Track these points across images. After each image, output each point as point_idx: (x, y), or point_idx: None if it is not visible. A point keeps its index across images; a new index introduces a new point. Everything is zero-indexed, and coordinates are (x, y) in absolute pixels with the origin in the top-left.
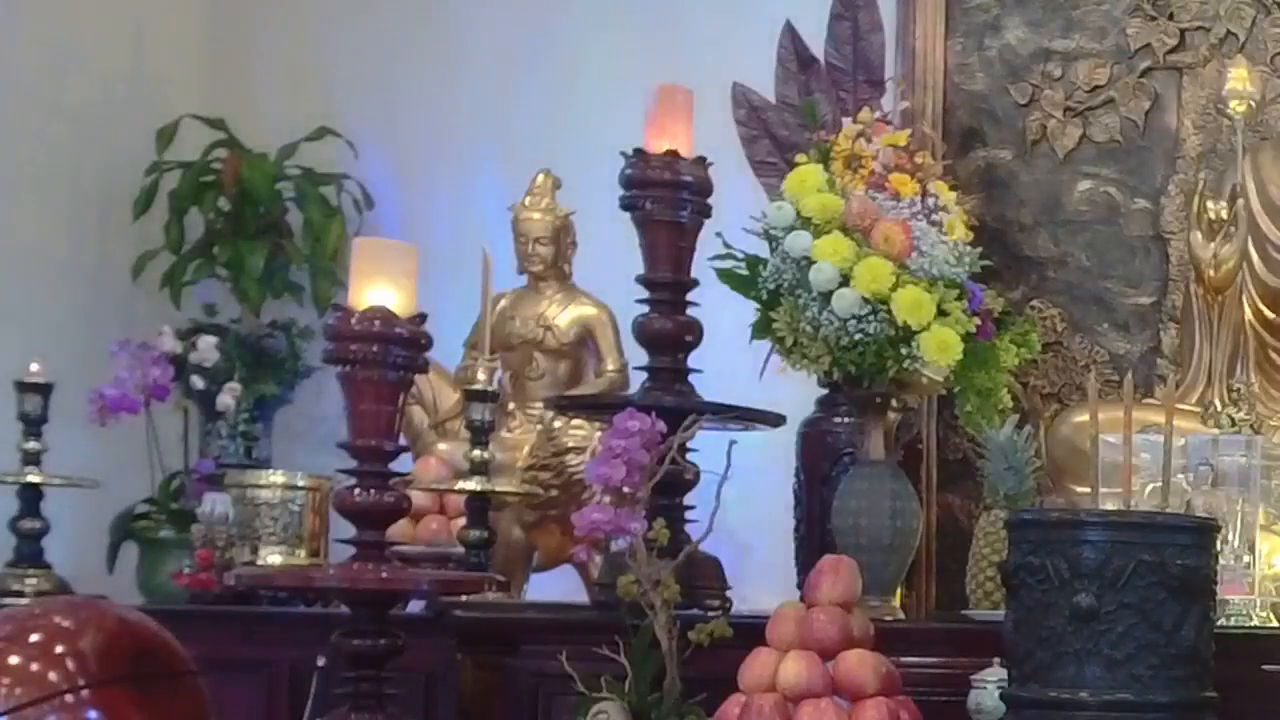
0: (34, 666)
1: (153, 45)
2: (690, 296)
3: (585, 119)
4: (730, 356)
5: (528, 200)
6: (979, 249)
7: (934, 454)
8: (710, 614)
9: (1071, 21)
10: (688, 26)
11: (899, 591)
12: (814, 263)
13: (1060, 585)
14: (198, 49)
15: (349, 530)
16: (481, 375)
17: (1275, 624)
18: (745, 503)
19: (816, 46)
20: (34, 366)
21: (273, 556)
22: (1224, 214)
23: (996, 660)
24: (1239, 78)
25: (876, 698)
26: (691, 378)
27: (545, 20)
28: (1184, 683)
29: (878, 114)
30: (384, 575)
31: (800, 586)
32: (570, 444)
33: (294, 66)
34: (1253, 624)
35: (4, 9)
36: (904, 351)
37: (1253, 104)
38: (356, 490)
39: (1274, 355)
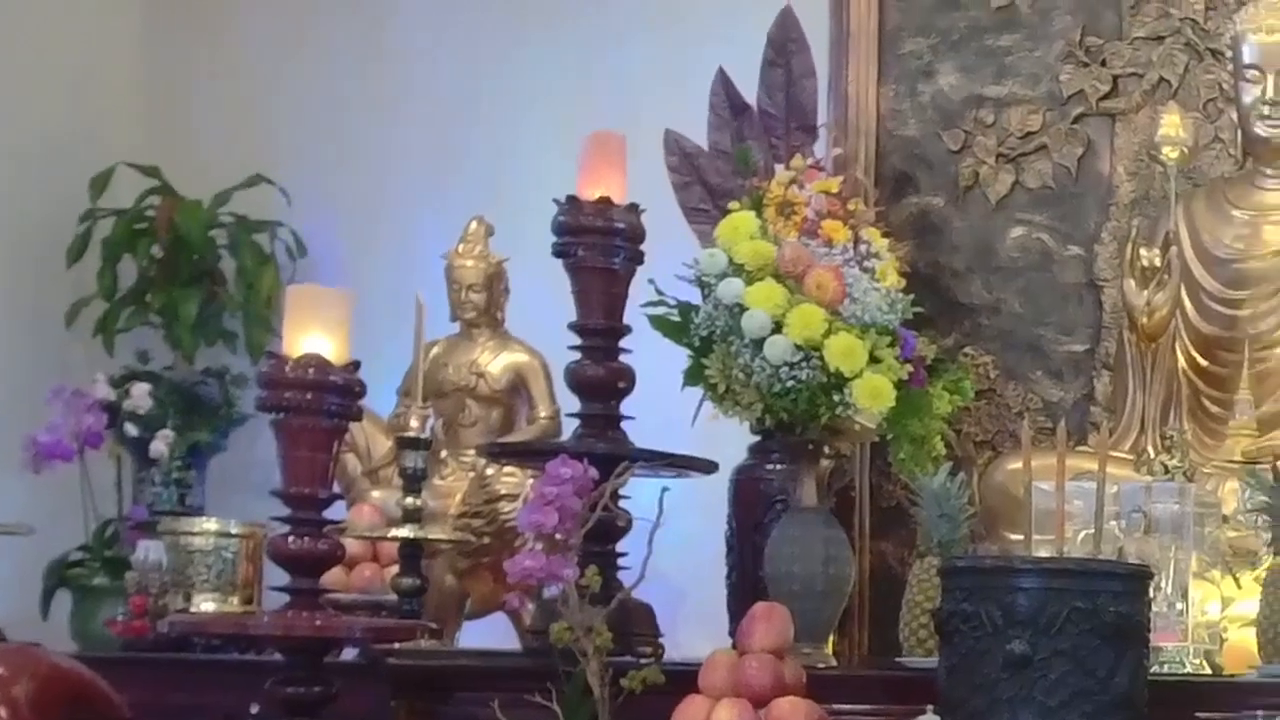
0: None
1: (89, 93)
2: (623, 343)
3: (518, 166)
4: (663, 403)
5: (461, 247)
6: (911, 296)
7: (867, 501)
8: (642, 661)
9: (1004, 68)
10: (620, 73)
11: (831, 639)
12: (746, 309)
13: (994, 632)
14: (133, 96)
15: (283, 577)
16: (414, 422)
17: (1209, 671)
18: (678, 549)
19: (749, 93)
20: None
21: (206, 604)
22: (1157, 261)
23: (930, 708)
24: (1172, 124)
25: None
26: (624, 424)
27: (479, 68)
28: None
29: (810, 160)
30: (318, 622)
31: (733, 633)
32: (503, 491)
33: (229, 114)
34: (1186, 671)
35: None
36: (836, 398)
37: (1185, 150)
38: (290, 537)
39: (1207, 403)
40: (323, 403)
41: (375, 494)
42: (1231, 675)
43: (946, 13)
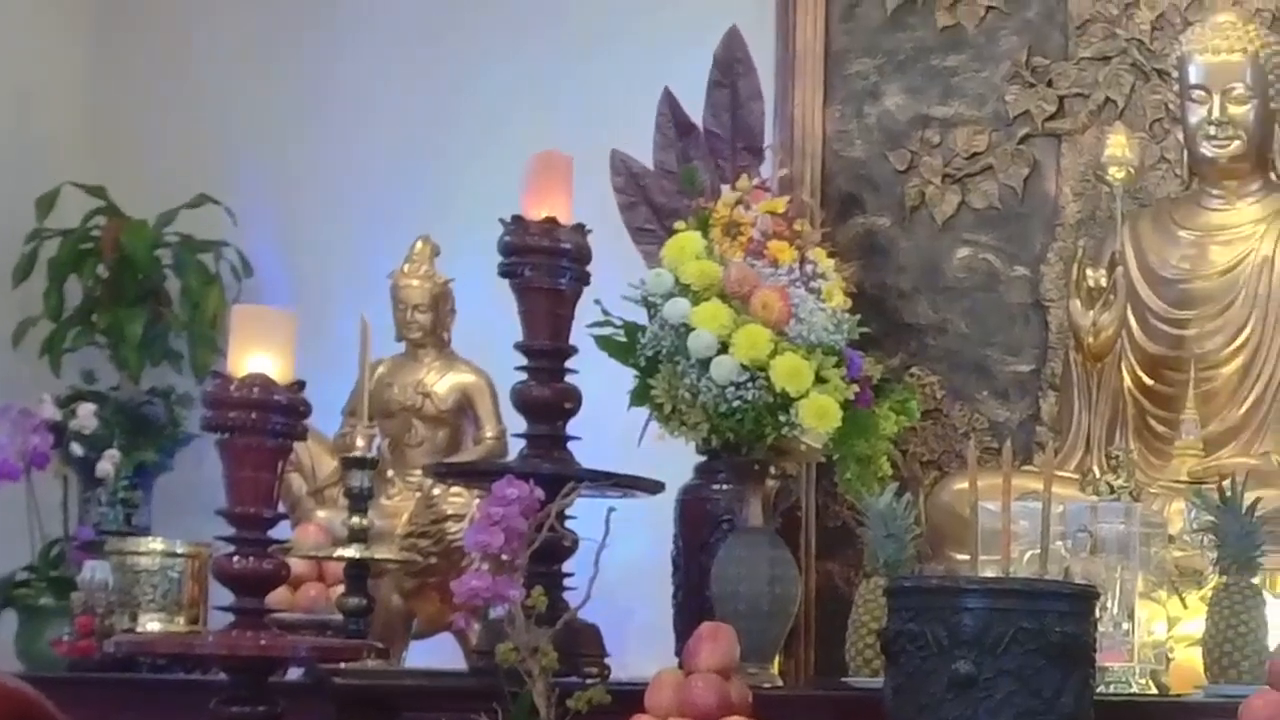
0: None
1: (35, 112)
2: (569, 363)
3: (464, 186)
4: (609, 423)
5: (406, 267)
6: (858, 316)
7: (813, 521)
8: (589, 681)
9: (950, 88)
10: (567, 93)
11: (778, 659)
12: (692, 330)
13: (939, 652)
14: (79, 116)
15: (228, 597)
16: (360, 442)
17: (1155, 691)
18: (624, 569)
19: (695, 113)
20: None
21: (152, 623)
22: (1103, 281)
23: None
24: (1118, 144)
25: None
26: (570, 445)
27: (424, 88)
28: None
29: (756, 181)
30: (263, 642)
31: (679, 653)
32: (449, 511)
33: (174, 134)
34: (1132, 691)
35: None
36: (782, 419)
37: (1131, 171)
38: (235, 557)
39: (1153, 422)
40: (267, 422)
41: (321, 514)
42: (1178, 695)
43: (892, 34)
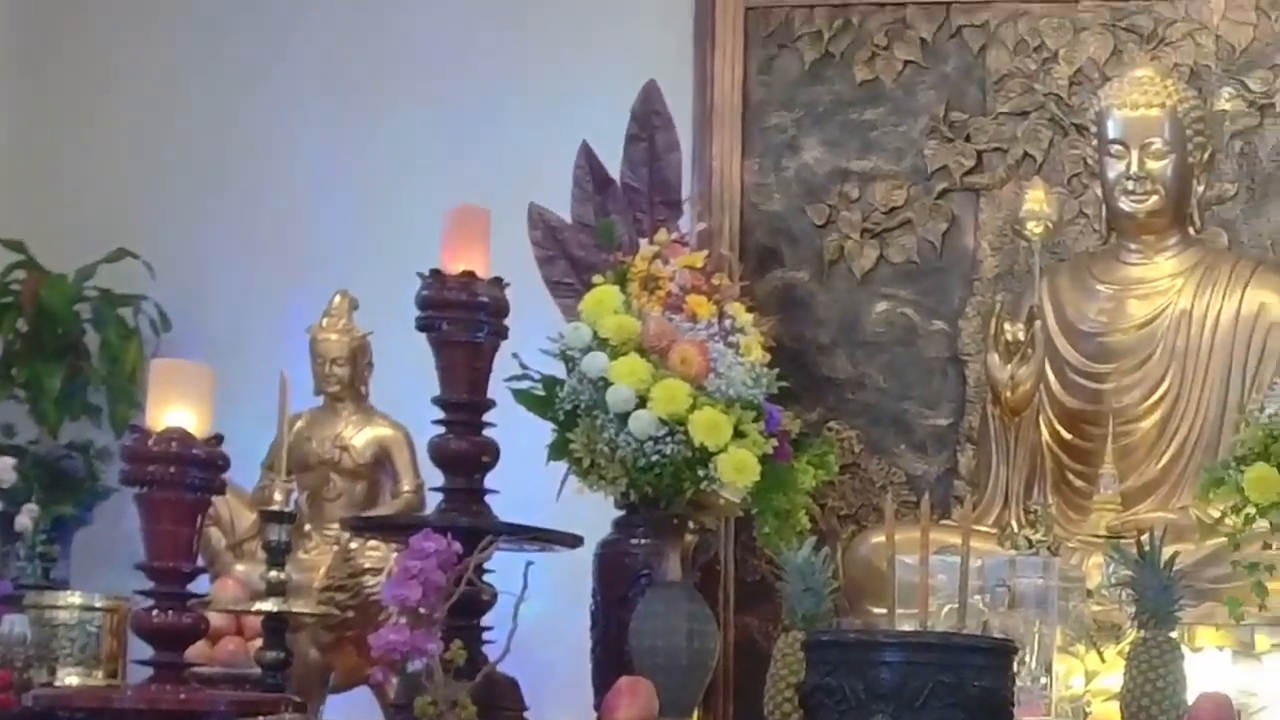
0: None
1: None
2: (487, 417)
3: (382, 240)
4: (527, 477)
5: (325, 321)
6: (776, 370)
7: (732, 575)
8: None
9: (869, 142)
10: (485, 147)
11: (696, 713)
12: (611, 384)
13: (857, 706)
14: None
15: (147, 651)
16: (278, 496)
17: None
18: (542, 623)
19: (613, 167)
20: None
21: (70, 677)
22: (1021, 336)
23: None
24: (1036, 199)
25: None
26: (488, 498)
27: (342, 142)
28: None
29: (675, 235)
30: (182, 696)
31: (598, 707)
32: (367, 565)
33: (94, 188)
34: None
35: None
36: (701, 473)
37: (1050, 225)
38: (154, 611)
39: (1071, 477)
40: (186, 476)
41: (239, 567)
42: None
43: (810, 87)
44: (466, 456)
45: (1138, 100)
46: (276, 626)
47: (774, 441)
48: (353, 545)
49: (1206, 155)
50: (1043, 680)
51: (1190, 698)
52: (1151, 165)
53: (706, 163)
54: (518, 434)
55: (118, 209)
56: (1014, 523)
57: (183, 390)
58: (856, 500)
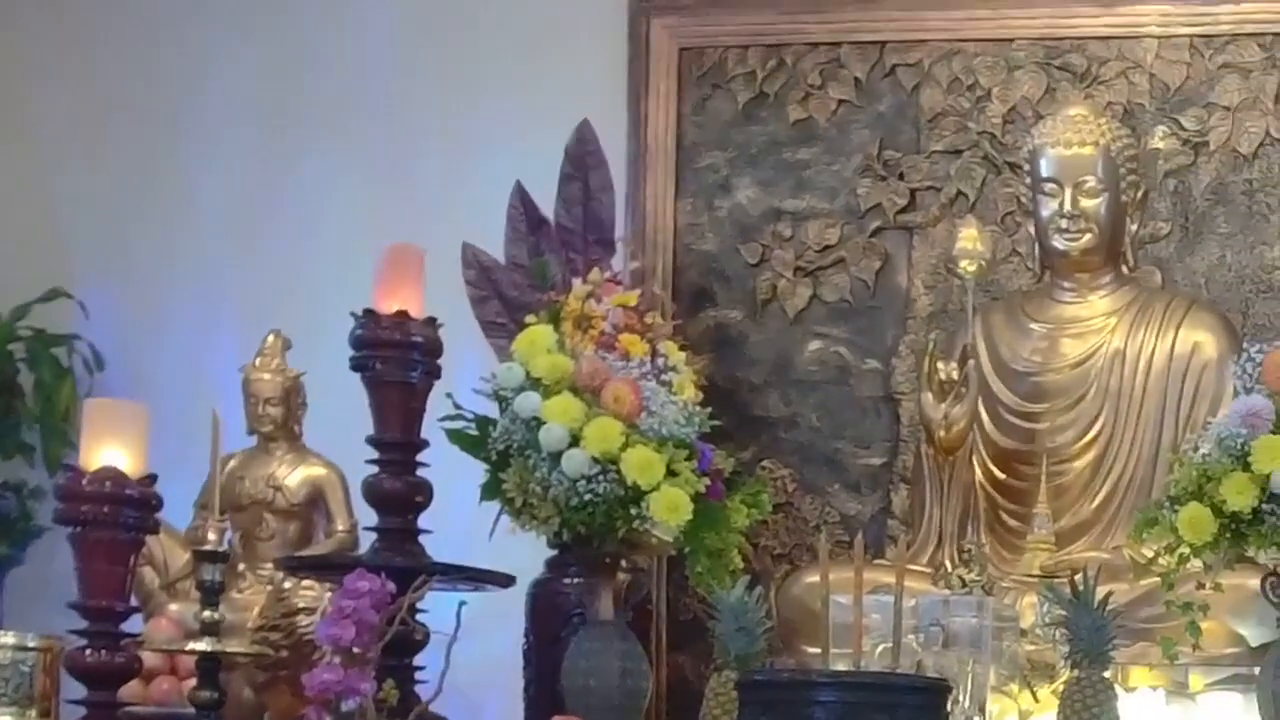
0: None
1: None
2: (420, 457)
3: (317, 279)
4: (460, 517)
5: (258, 361)
6: (709, 409)
7: (664, 614)
8: None
9: (802, 181)
10: (419, 186)
11: None
12: (544, 423)
13: None
14: None
15: (81, 690)
16: (212, 536)
17: None
18: (475, 663)
19: (547, 206)
20: None
21: (4, 717)
22: (955, 375)
23: None
24: (969, 237)
25: None
26: (422, 538)
27: (277, 180)
28: None
29: (608, 274)
30: None
31: None
32: (300, 604)
33: (26, 228)
34: None
35: None
36: (634, 512)
37: (983, 264)
38: (88, 650)
39: (1005, 516)
40: (119, 516)
41: (173, 607)
42: None
43: (744, 127)
44: (400, 496)
45: (1071, 139)
46: (210, 666)
47: (707, 480)
48: (286, 585)
49: (1140, 194)
50: (976, 719)
51: None
52: (1085, 204)
53: (640, 202)
54: (451, 474)
55: (51, 249)
56: (948, 562)
57: (116, 430)
58: (790, 539)
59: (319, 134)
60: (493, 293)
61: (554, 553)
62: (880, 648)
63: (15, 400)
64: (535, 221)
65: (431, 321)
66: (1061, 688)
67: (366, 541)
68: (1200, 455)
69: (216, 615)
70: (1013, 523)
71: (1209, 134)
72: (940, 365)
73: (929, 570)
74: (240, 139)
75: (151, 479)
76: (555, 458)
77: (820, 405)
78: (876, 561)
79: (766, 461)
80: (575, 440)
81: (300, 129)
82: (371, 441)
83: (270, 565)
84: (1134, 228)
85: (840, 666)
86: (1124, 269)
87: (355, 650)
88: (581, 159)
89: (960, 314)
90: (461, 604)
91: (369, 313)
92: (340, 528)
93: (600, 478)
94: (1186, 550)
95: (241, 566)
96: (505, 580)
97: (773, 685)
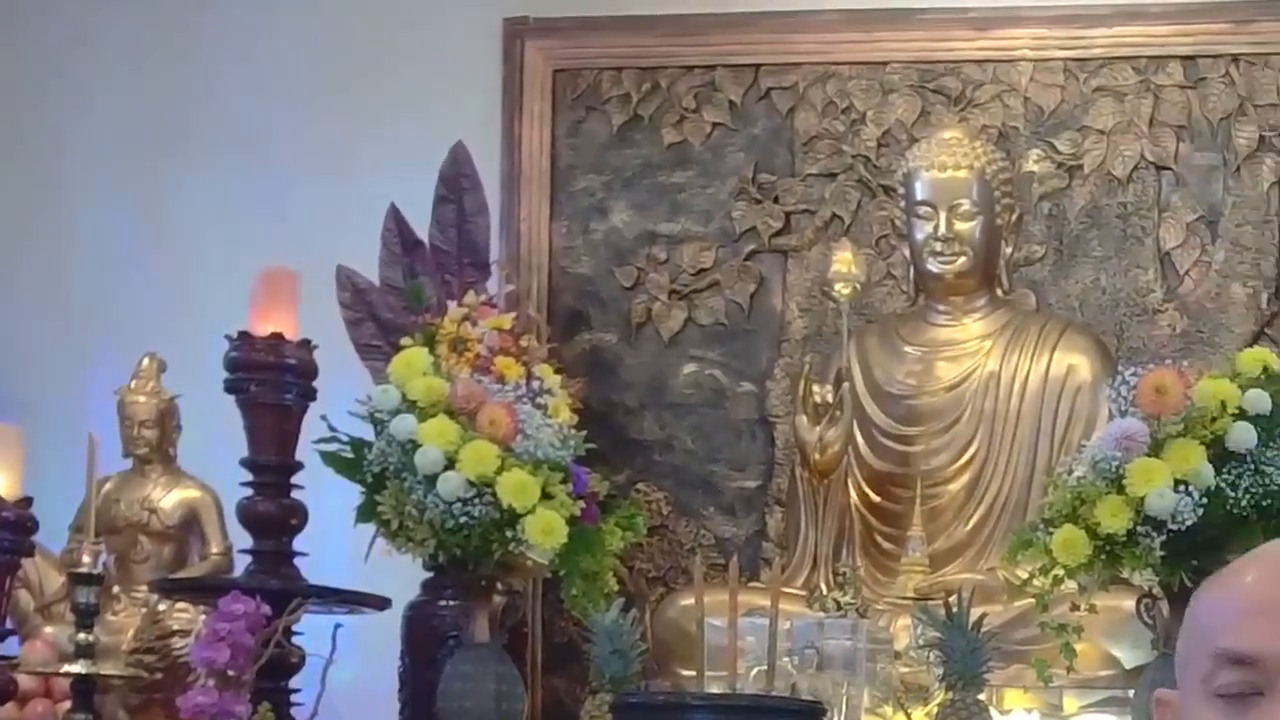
0: None
1: None
2: (295, 479)
3: (193, 302)
4: (336, 539)
5: (133, 384)
6: (584, 432)
7: (540, 637)
8: None
9: (677, 205)
10: (295, 211)
11: None
12: (419, 446)
13: None
14: None
15: None
16: (87, 558)
17: None
18: (351, 686)
19: (421, 229)
20: None
21: None
22: (829, 397)
23: None
24: (844, 261)
25: None
26: (297, 560)
27: (153, 203)
28: None
29: (483, 297)
30: None
31: None
32: (175, 627)
33: None
34: None
35: None
36: (509, 534)
37: (857, 287)
38: None
39: (879, 539)
40: None
41: (48, 629)
42: None
43: (619, 150)
44: (275, 519)
45: (945, 162)
46: (85, 689)
47: (582, 503)
48: (161, 607)
49: (1014, 217)
50: None
51: None
52: (959, 227)
53: (515, 225)
54: (326, 496)
55: None
56: (822, 585)
57: None
58: (665, 562)
59: (197, 161)
60: (368, 315)
61: (429, 575)
62: (755, 670)
63: None
64: (410, 244)
65: (306, 344)
66: (936, 710)
67: (241, 564)
68: (1075, 478)
69: (91, 638)
70: (887, 545)
71: (1083, 157)
72: (815, 388)
73: (804, 593)
74: (120, 167)
75: (27, 501)
76: (431, 480)
77: (695, 428)
78: (751, 584)
79: (641, 484)
80: (451, 463)
81: (179, 158)
82: (246, 464)
83: (145, 588)
84: (1008, 251)
85: (715, 689)
86: (998, 292)
87: (230, 673)
88: (456, 181)
89: (835, 337)
90: (337, 627)
91: (244, 335)
92: (215, 550)
93: (475, 500)
94: (1061, 572)
95: (116, 589)
96: (381, 603)
97: (647, 708)
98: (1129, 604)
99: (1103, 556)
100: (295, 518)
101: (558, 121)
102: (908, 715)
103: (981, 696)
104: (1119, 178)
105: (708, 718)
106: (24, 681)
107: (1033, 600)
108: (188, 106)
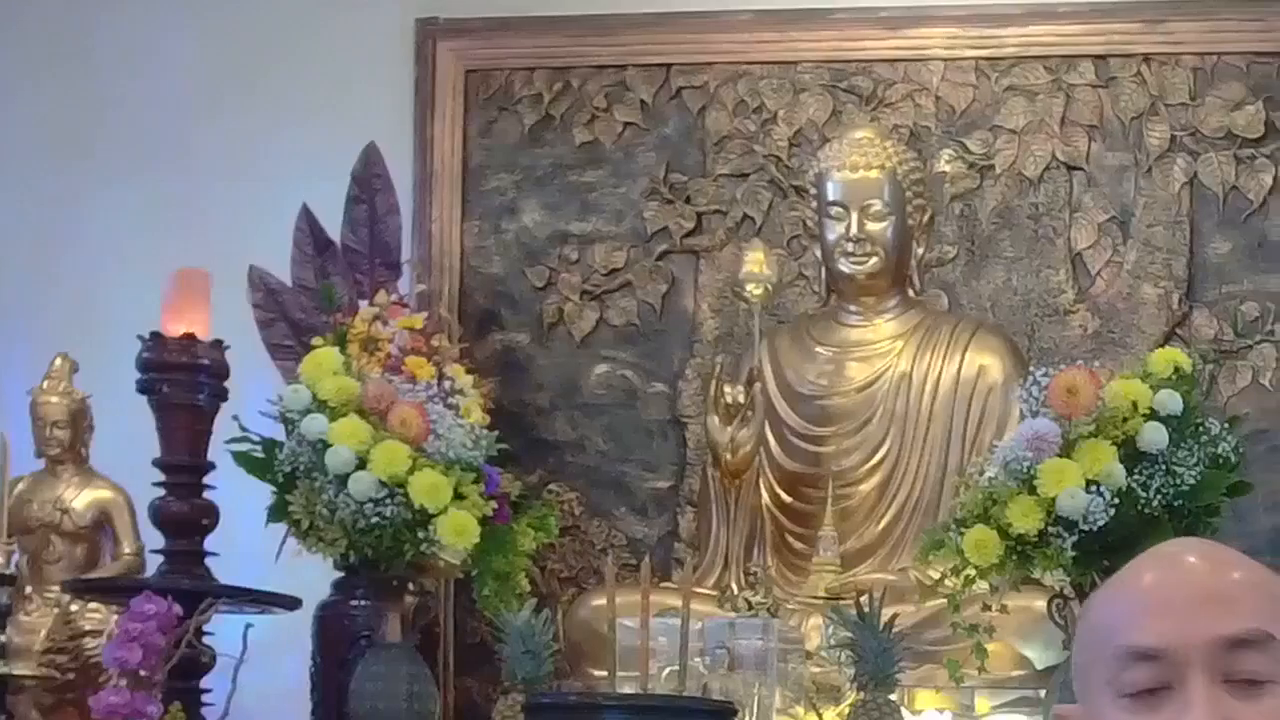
0: None
1: None
2: (207, 479)
3: (104, 303)
4: (247, 539)
5: (45, 384)
6: (496, 432)
7: (452, 637)
8: None
9: (589, 205)
10: (208, 211)
11: None
12: (330, 446)
13: None
14: None
15: None
16: None
17: None
18: (262, 686)
19: (334, 229)
20: None
21: None
22: (741, 398)
23: None
24: (755, 261)
25: None
26: (208, 561)
27: (65, 204)
28: None
29: (394, 297)
30: None
31: None
32: (87, 627)
33: None
34: None
35: None
36: (421, 535)
37: (769, 287)
38: None
39: (791, 539)
40: None
41: None
42: None
43: (530, 150)
44: (187, 519)
45: (857, 162)
46: None
47: (493, 504)
48: (73, 608)
49: (926, 217)
50: None
51: None
52: (871, 227)
53: (426, 225)
54: (238, 496)
55: None
56: (734, 585)
57: None
58: (577, 563)
59: (109, 163)
60: (280, 315)
61: (341, 575)
62: (667, 670)
63: None
64: (322, 244)
65: (218, 344)
66: (847, 710)
67: (153, 564)
68: (986, 478)
69: (3, 638)
70: (799, 545)
71: (995, 157)
72: (726, 389)
73: (715, 593)
74: (31, 169)
75: None
76: (342, 480)
77: (607, 429)
78: (663, 584)
79: (553, 485)
80: (362, 463)
81: (91, 159)
82: (158, 464)
83: (57, 588)
84: (920, 251)
85: (627, 689)
86: (910, 292)
87: (142, 673)
88: (368, 182)
89: (747, 337)
90: (248, 626)
91: (156, 336)
92: (127, 550)
93: (387, 501)
94: (972, 572)
95: (29, 589)
96: (292, 603)
97: (560, 708)
98: (1040, 604)
99: (1014, 557)
100: (207, 518)
101: (469, 122)
102: (819, 715)
103: (893, 697)
104: (1030, 178)
105: (619, 718)
106: None
107: (944, 600)
108: (100, 109)
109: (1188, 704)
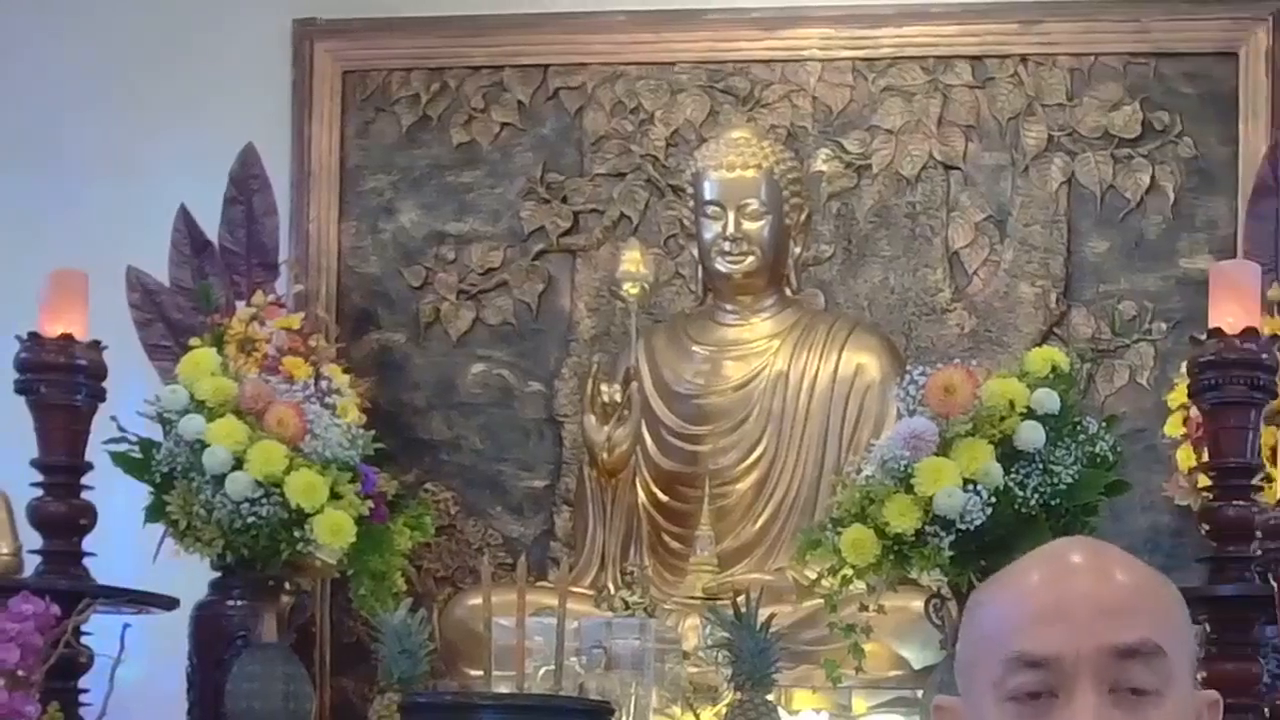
0: None
1: None
2: (85, 480)
3: None
4: (125, 540)
5: None
6: (372, 432)
7: (328, 637)
8: None
9: (465, 204)
10: (85, 212)
11: None
12: (207, 446)
13: None
14: None
15: None
16: None
17: None
18: (140, 686)
19: (211, 229)
20: None
21: None
22: (617, 397)
23: None
24: (632, 260)
25: None
26: (86, 561)
27: None
28: None
29: (271, 297)
30: None
31: None
32: None
33: None
34: None
35: None
36: (297, 534)
37: (646, 286)
38: None
39: (668, 538)
40: None
41: None
42: None
43: (407, 150)
44: (65, 519)
45: (734, 161)
46: None
47: (370, 503)
48: None
49: (803, 216)
50: None
51: None
52: (748, 226)
53: (303, 225)
54: (115, 497)
55: None
56: (610, 584)
57: None
58: (453, 562)
59: None
60: (157, 316)
61: (218, 575)
62: (543, 670)
63: None
64: (199, 245)
65: (96, 345)
66: (724, 710)
67: (31, 564)
68: (863, 477)
69: None
70: (675, 545)
71: (872, 157)
72: (603, 388)
73: (592, 593)
74: None
75: None
76: (219, 480)
77: (483, 428)
78: (539, 584)
79: (429, 484)
80: (239, 463)
81: None
82: (35, 464)
83: None
84: (797, 250)
85: (503, 689)
86: (787, 291)
87: (19, 673)
88: (245, 182)
89: (623, 336)
90: (125, 627)
91: (33, 336)
92: (4, 550)
93: (264, 500)
94: (849, 572)
95: None
96: (169, 603)
97: (436, 708)
98: (918, 604)
99: (891, 556)
100: (85, 518)
101: (347, 122)
102: (696, 715)
103: (770, 697)
104: (907, 177)
105: (495, 717)
106: None
107: (821, 600)
108: None
109: (1073, 713)
